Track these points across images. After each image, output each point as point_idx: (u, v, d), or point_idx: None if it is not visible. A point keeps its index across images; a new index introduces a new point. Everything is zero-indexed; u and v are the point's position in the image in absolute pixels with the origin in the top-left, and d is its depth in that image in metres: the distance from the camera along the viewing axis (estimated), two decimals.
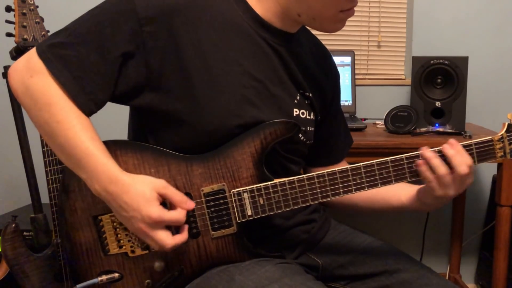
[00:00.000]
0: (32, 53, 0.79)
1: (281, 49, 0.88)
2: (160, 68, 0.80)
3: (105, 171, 0.75)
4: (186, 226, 0.79)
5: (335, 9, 0.82)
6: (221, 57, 0.82)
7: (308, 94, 0.94)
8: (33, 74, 0.77)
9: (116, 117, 1.33)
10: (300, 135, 0.93)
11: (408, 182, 0.85)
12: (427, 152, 0.82)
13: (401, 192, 0.95)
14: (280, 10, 0.86)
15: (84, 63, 0.78)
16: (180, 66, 0.80)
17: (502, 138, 0.86)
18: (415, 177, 0.83)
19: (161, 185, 0.77)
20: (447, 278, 2.05)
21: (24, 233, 1.39)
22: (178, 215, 0.76)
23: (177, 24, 0.79)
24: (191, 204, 0.79)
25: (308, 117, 0.94)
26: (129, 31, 0.78)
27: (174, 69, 0.80)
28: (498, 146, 0.86)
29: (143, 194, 0.74)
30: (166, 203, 0.78)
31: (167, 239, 0.75)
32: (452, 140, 0.83)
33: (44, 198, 1.34)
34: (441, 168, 0.81)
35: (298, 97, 0.92)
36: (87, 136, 0.77)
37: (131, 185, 0.75)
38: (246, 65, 0.84)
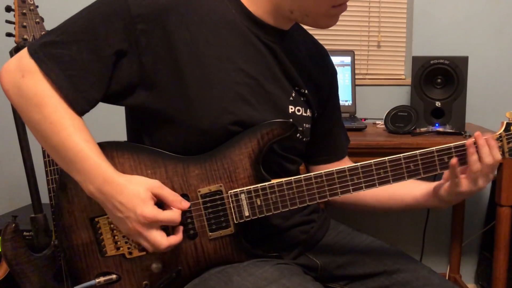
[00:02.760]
0: (24, 53, 0.78)
1: (275, 46, 0.88)
2: (153, 66, 0.80)
3: (99, 172, 0.75)
4: (181, 227, 0.79)
5: (327, 5, 0.81)
6: (214, 55, 0.82)
7: (303, 90, 0.94)
8: (25, 74, 0.77)
9: (116, 118, 1.33)
10: (297, 134, 0.93)
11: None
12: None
13: (415, 189, 0.94)
14: (272, 8, 0.85)
15: (77, 62, 0.77)
16: (173, 64, 0.80)
17: (500, 137, 0.85)
18: (412, 177, 0.83)
19: (155, 185, 0.77)
20: (447, 278, 2.05)
21: (24, 233, 1.39)
22: (173, 214, 0.76)
23: (170, 22, 0.79)
24: (185, 204, 0.79)
25: (304, 114, 0.94)
26: (122, 29, 0.78)
27: (167, 67, 0.80)
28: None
29: (137, 194, 0.75)
30: (161, 205, 0.78)
31: (161, 239, 0.75)
32: (477, 133, 0.83)
33: (44, 198, 1.34)
34: (489, 157, 0.81)
35: (293, 94, 0.92)
36: (81, 137, 0.76)
37: (125, 186, 0.75)
38: (239, 62, 0.84)
